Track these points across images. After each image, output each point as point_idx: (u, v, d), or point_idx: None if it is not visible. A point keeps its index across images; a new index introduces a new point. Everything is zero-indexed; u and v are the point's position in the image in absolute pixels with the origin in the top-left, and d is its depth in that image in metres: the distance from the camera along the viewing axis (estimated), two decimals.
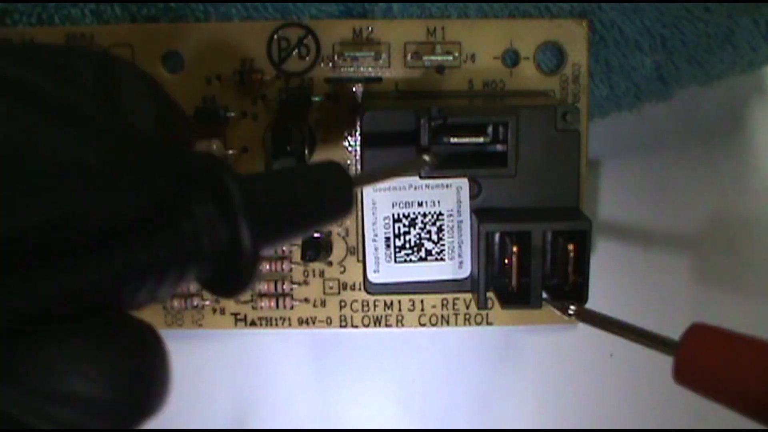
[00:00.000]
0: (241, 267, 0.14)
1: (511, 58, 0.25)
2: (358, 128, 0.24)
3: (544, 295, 0.22)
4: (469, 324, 0.26)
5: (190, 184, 0.14)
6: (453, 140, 0.22)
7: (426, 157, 0.21)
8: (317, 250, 0.25)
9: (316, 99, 0.24)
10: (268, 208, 0.15)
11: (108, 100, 0.12)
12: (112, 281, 0.13)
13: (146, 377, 0.13)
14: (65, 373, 0.12)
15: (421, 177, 0.22)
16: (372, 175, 0.20)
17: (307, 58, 0.24)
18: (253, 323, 0.26)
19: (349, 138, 0.25)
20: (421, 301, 0.26)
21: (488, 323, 0.26)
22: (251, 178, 0.16)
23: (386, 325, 0.26)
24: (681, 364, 0.16)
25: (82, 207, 0.12)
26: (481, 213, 0.23)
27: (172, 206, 0.14)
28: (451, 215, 0.23)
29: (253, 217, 0.14)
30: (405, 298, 0.26)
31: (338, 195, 0.17)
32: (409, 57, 0.24)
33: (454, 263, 0.24)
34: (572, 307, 0.20)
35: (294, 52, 0.24)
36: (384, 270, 0.24)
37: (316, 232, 0.25)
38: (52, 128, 0.12)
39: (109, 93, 0.13)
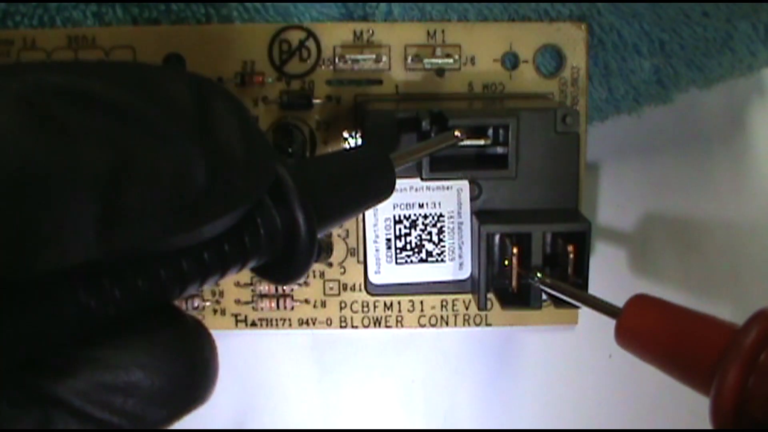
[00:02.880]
0: (299, 250, 0.15)
1: (511, 61, 0.25)
2: (360, 130, 0.24)
3: (544, 297, 0.22)
4: (468, 325, 0.26)
5: None
6: None
7: (456, 133, 0.22)
8: (318, 251, 0.25)
9: (317, 101, 0.24)
10: (320, 192, 0.16)
11: (204, 124, 0.13)
12: (180, 283, 0.13)
13: (200, 367, 0.13)
14: (128, 365, 0.12)
15: (422, 178, 0.22)
16: (407, 154, 0.20)
17: (308, 61, 0.24)
18: (253, 324, 0.26)
19: (350, 140, 0.25)
20: (421, 302, 0.26)
21: (487, 324, 0.26)
22: (300, 164, 0.16)
23: (386, 326, 0.26)
24: (621, 327, 0.18)
25: (180, 228, 0.12)
26: (481, 214, 0.23)
27: None
28: (451, 217, 0.24)
29: (306, 200, 0.14)
30: (405, 299, 0.26)
31: (382, 176, 0.18)
32: (409, 60, 0.24)
33: (455, 264, 0.24)
34: (538, 274, 0.22)
35: (295, 55, 0.24)
36: (385, 271, 0.24)
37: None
38: (156, 151, 0.12)
39: (204, 117, 0.13)
